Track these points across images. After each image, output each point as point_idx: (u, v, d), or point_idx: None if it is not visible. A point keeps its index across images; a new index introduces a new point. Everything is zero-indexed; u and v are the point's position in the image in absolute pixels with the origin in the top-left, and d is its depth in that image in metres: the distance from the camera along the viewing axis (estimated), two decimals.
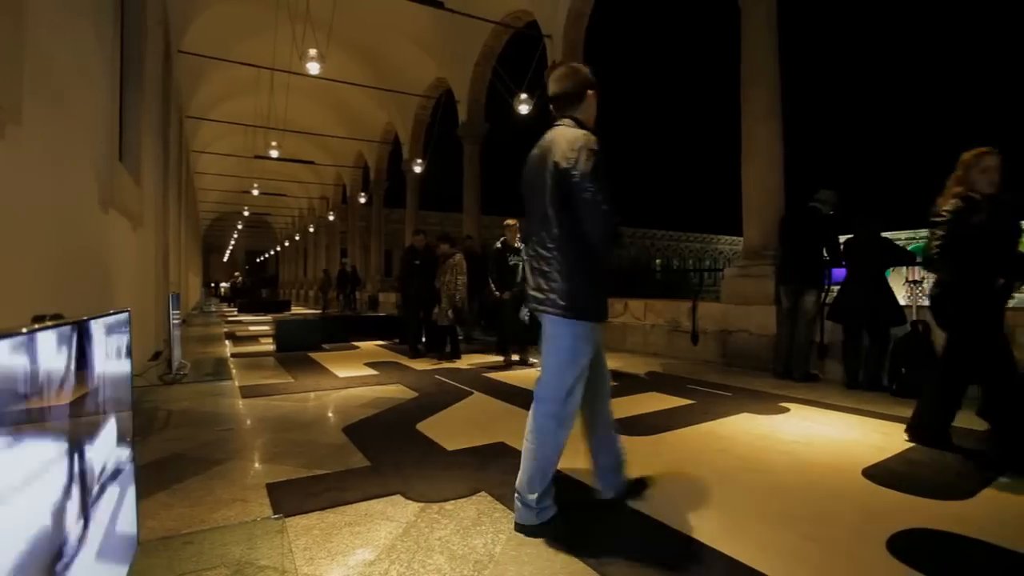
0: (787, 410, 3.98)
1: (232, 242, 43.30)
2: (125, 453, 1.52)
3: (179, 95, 11.32)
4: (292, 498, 2.34)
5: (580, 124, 2.16)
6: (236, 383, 5.20)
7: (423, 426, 3.58)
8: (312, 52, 8.52)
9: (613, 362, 6.09)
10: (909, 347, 4.46)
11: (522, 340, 6.44)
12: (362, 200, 19.43)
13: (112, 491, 1.35)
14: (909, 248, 5.57)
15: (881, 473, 2.66)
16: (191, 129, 15.41)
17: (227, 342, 9.25)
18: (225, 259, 47.22)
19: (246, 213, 30.60)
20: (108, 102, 4.15)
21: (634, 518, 2.15)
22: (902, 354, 4.50)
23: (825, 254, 5.10)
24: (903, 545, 1.92)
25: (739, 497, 2.38)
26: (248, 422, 3.77)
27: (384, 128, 17.80)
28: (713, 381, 5.12)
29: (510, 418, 3.84)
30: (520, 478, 2.05)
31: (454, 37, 11.95)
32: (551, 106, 2.23)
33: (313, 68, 8.72)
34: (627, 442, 3.19)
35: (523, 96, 9.36)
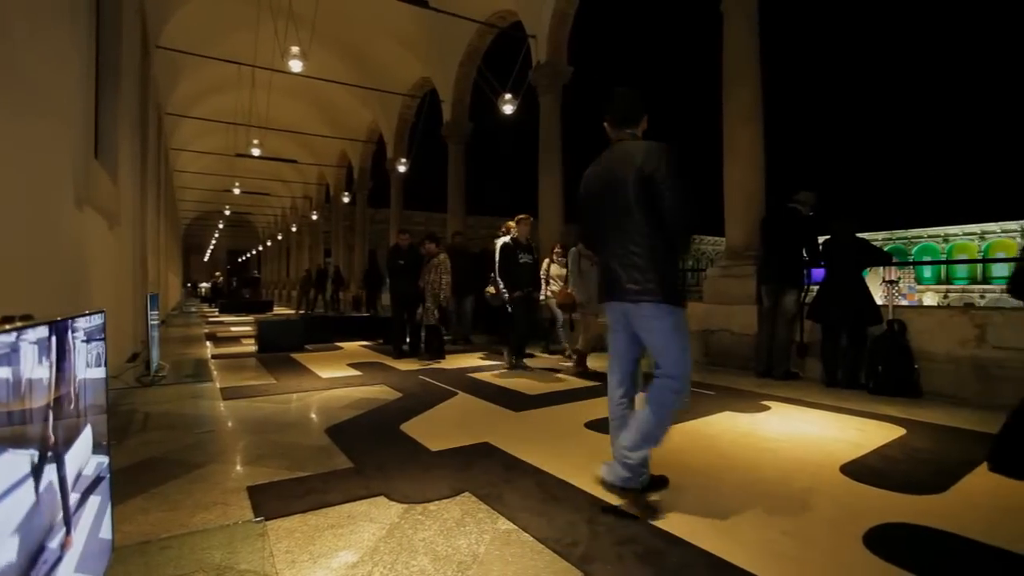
0: (768, 408, 4.04)
1: (213, 241, 42.63)
2: (100, 457, 1.49)
3: (158, 91, 11.11)
4: (274, 501, 2.31)
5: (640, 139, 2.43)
6: (217, 385, 5.12)
7: (407, 427, 3.56)
8: (295, 50, 8.42)
9: (597, 362, 6.13)
10: (885, 346, 4.56)
11: (524, 341, 6.17)
12: (346, 199, 19.28)
13: (85, 496, 1.32)
14: (885, 249, 5.67)
15: (858, 469, 2.72)
16: (170, 126, 15.13)
17: (208, 343, 9.10)
18: (206, 259, 46.46)
19: (227, 212, 30.16)
20: (83, 97, 4.06)
21: (616, 516, 2.17)
22: (879, 353, 4.59)
23: (804, 254, 5.19)
24: (879, 539, 1.97)
25: (721, 494, 2.41)
26: (229, 424, 3.71)
27: (368, 127, 17.67)
28: (696, 380, 5.13)
29: (495, 418, 3.85)
30: (628, 441, 2.25)
31: (439, 36, 11.92)
32: (609, 122, 2.47)
33: (296, 66, 8.63)
34: (607, 440, 3.22)
35: (507, 96, 9.36)
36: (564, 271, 6.66)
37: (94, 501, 1.40)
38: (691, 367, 2.34)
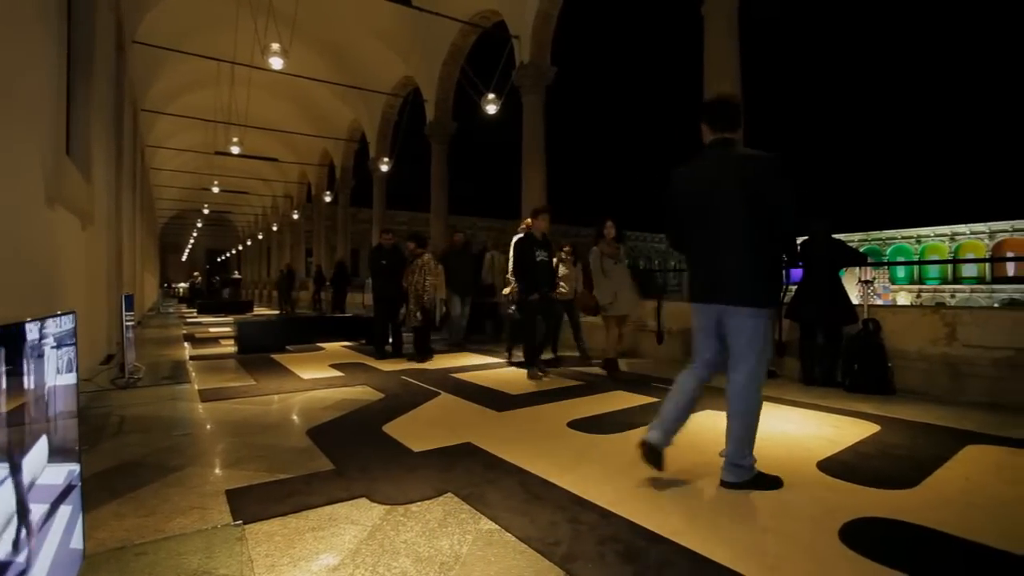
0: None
1: (191, 241, 41.84)
2: (70, 464, 1.45)
3: (133, 87, 10.87)
4: (253, 504, 2.28)
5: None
6: (195, 386, 5.03)
7: (389, 428, 3.54)
8: (275, 47, 8.31)
9: (576, 361, 6.11)
10: (860, 345, 4.66)
11: (541, 347, 5.74)
12: (327, 199, 19.10)
13: (55, 506, 1.29)
14: (861, 250, 5.81)
15: (834, 465, 2.77)
16: (147, 123, 14.81)
17: (186, 344, 8.93)
18: (184, 258, 45.58)
19: (206, 211, 29.61)
20: (54, 92, 3.95)
21: (596, 514, 2.18)
22: (854, 351, 4.69)
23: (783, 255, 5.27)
24: (854, 534, 2.01)
25: (700, 491, 2.44)
26: (208, 427, 3.65)
27: (350, 126, 17.52)
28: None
29: (477, 418, 3.84)
30: (733, 448, 2.44)
31: (422, 35, 11.87)
32: (708, 125, 2.55)
33: (276, 63, 8.51)
34: (592, 440, 3.26)
35: (491, 96, 9.36)
36: (570, 272, 6.55)
37: (64, 510, 1.37)
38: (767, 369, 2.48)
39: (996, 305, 34.55)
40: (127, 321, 5.32)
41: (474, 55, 11.94)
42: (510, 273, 5.90)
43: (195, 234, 39.18)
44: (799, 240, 5.27)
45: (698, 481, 2.57)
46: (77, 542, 1.48)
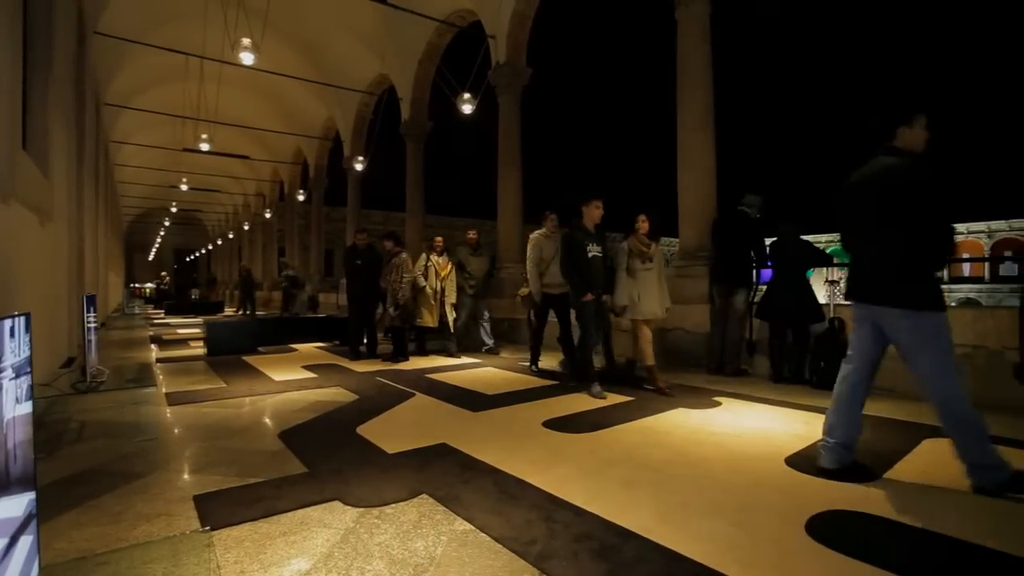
0: (719, 404, 4.18)
1: (159, 240, 40.62)
2: (21, 469, 1.39)
3: (96, 80, 10.51)
4: (222, 509, 2.23)
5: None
6: (161, 390, 4.89)
7: (363, 429, 3.50)
8: (246, 41, 8.12)
9: (554, 361, 6.17)
10: (827, 343, 4.80)
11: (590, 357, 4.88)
12: (301, 198, 18.76)
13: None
14: (828, 251, 5.97)
15: (801, 461, 2.85)
16: (111, 117, 14.33)
17: (152, 346, 8.67)
18: (151, 258, 44.22)
19: (174, 209, 28.81)
20: (8, 82, 3.79)
21: (571, 512, 2.20)
22: (821, 349, 4.83)
23: (753, 255, 5.41)
24: (820, 527, 2.07)
25: (673, 488, 2.48)
26: (176, 431, 3.55)
27: (324, 124, 17.25)
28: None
29: (453, 419, 3.83)
30: (973, 457, 2.39)
31: (397, 34, 11.76)
32: (882, 126, 2.68)
33: (247, 58, 8.32)
34: (566, 439, 3.28)
35: (466, 96, 9.33)
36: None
37: (13, 518, 1.31)
38: (954, 374, 2.46)
39: (953, 304, 35.98)
40: (89, 323, 5.14)
41: (450, 54, 11.89)
42: (528, 272, 5.53)
43: (162, 233, 38.03)
44: (768, 241, 5.40)
45: (670, 477, 2.61)
46: (31, 552, 1.42)
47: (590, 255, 4.74)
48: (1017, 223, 42.87)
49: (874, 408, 4.01)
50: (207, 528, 2.05)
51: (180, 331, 11.54)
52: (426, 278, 6.92)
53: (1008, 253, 40.39)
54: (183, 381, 5.37)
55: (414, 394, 4.66)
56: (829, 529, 2.05)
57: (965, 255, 43.17)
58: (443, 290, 7.02)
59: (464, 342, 7.51)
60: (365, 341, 7.14)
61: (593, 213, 4.85)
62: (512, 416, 3.91)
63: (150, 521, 2.12)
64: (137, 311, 21.66)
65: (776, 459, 2.88)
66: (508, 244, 9.40)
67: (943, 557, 1.88)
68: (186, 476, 2.69)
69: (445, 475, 2.63)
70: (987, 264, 42.06)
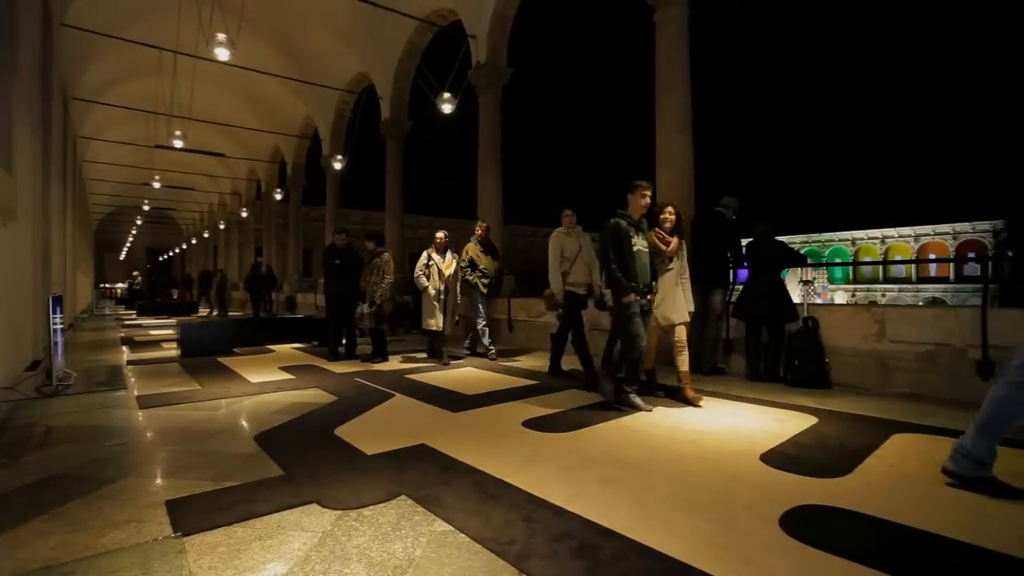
0: (686, 404, 4.24)
1: (130, 239, 39.56)
2: None
3: (63, 73, 10.18)
4: (196, 514, 2.18)
5: None
6: (133, 392, 4.77)
7: (342, 431, 3.47)
8: (221, 37, 7.97)
9: (533, 361, 6.19)
10: (800, 341, 4.91)
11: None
12: (278, 196, 18.47)
13: None
14: (802, 251, 6.11)
15: (776, 457, 2.91)
16: (79, 113, 13.91)
17: (124, 348, 8.44)
18: (122, 257, 43.02)
19: (146, 207, 28.05)
20: None
21: (550, 512, 2.21)
22: (795, 348, 4.93)
23: (730, 256, 5.50)
24: (793, 521, 2.11)
25: (651, 486, 2.51)
26: (148, 435, 3.47)
27: (302, 122, 17.02)
28: None
29: (432, 419, 3.81)
30: (975, 449, 2.39)
31: (377, 32, 11.67)
32: None
33: (222, 54, 8.16)
34: (546, 439, 3.30)
35: (446, 95, 9.29)
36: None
37: None
38: None
39: (920, 303, 37.12)
40: (55, 324, 4.98)
41: (430, 53, 11.84)
42: (550, 271, 5.14)
43: (134, 232, 37.05)
44: (744, 242, 5.50)
45: (648, 475, 2.64)
46: None
47: (635, 249, 4.12)
48: (980, 225, 44.48)
49: (844, 405, 4.12)
50: (179, 534, 2.01)
51: (153, 332, 11.27)
52: (428, 278, 6.45)
53: (972, 254, 41.86)
54: (156, 383, 5.24)
55: (393, 395, 4.62)
56: (802, 523, 2.10)
57: (932, 256, 44.61)
58: (447, 290, 6.50)
59: (478, 348, 7.11)
60: (344, 342, 7.06)
61: (639, 201, 4.22)
62: (492, 416, 3.91)
63: (119, 528, 2.07)
64: (107, 312, 21.07)
65: (751, 456, 2.93)
66: None
67: (912, 549, 1.94)
68: (158, 481, 2.63)
69: (424, 476, 2.62)
70: (952, 265, 43.52)
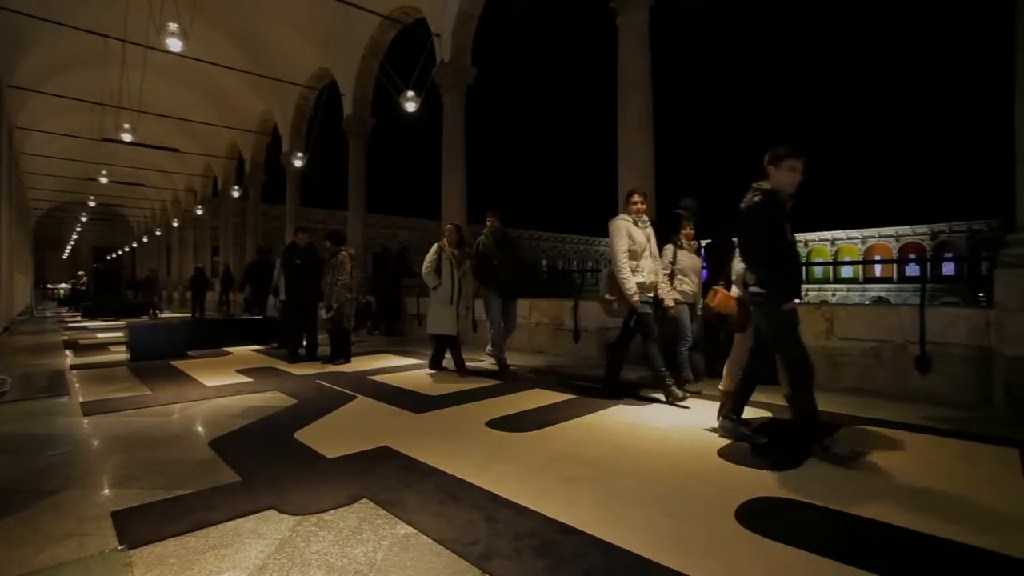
0: (659, 400, 4.33)
1: (75, 237, 37.52)
2: None
3: None
4: (144, 525, 2.10)
5: None
6: (77, 399, 4.53)
7: (301, 434, 3.39)
8: (172, 27, 7.66)
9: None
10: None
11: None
12: (236, 194, 17.89)
13: None
14: None
15: (732, 452, 3.00)
16: (16, 102, 13.11)
17: (67, 352, 8.01)
18: (66, 256, 40.76)
19: (92, 204, 26.67)
20: None
21: (513, 511, 2.22)
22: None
23: None
24: (747, 514, 2.19)
25: (613, 483, 2.55)
26: (93, 443, 3.31)
27: (261, 117, 16.54)
28: (594, 376, 5.42)
29: (395, 421, 3.77)
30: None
31: (339, 27, 11.44)
32: None
33: (174, 45, 7.84)
34: (509, 439, 3.31)
35: (410, 94, 9.20)
36: (698, 263, 5.03)
37: None
38: None
39: (867, 302, 39.03)
40: None
41: (394, 51, 11.69)
42: (617, 268, 4.16)
43: (79, 229, 35.17)
44: (704, 242, 5.64)
45: (610, 473, 2.68)
46: None
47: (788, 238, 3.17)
48: (920, 228, 47.16)
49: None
50: (124, 546, 1.92)
51: (99, 335, 10.73)
52: (440, 275, 5.66)
53: (912, 256, 44.38)
54: (102, 389, 4.99)
55: (355, 397, 4.55)
56: (756, 515, 2.18)
57: (877, 257, 47.00)
58: (460, 290, 5.71)
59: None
60: (304, 343, 6.90)
61: (789, 176, 3.16)
62: (456, 417, 3.89)
63: (60, 543, 1.96)
64: (49, 314, 19.95)
65: (710, 451, 3.02)
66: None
67: (860, 537, 2.03)
68: (104, 491, 2.51)
69: (387, 478, 2.59)
70: (895, 266, 46.03)
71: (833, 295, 46.24)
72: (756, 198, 3.15)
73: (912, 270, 45.19)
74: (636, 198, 4.35)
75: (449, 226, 5.98)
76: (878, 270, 47.85)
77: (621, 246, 4.17)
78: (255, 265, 11.55)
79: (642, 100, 6.53)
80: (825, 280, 48.84)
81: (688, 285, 4.95)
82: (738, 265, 4.33)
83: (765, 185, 3.19)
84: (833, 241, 50.59)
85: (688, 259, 5.01)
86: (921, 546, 1.95)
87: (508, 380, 5.26)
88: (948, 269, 45.40)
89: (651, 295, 4.34)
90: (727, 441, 3.19)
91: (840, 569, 1.77)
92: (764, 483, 2.54)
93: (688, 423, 3.65)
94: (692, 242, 5.09)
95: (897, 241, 47.86)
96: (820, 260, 50.18)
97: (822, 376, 4.80)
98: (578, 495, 2.40)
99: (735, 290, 3.69)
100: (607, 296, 4.31)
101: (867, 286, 47.04)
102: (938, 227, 46.89)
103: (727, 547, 1.93)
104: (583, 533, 2.02)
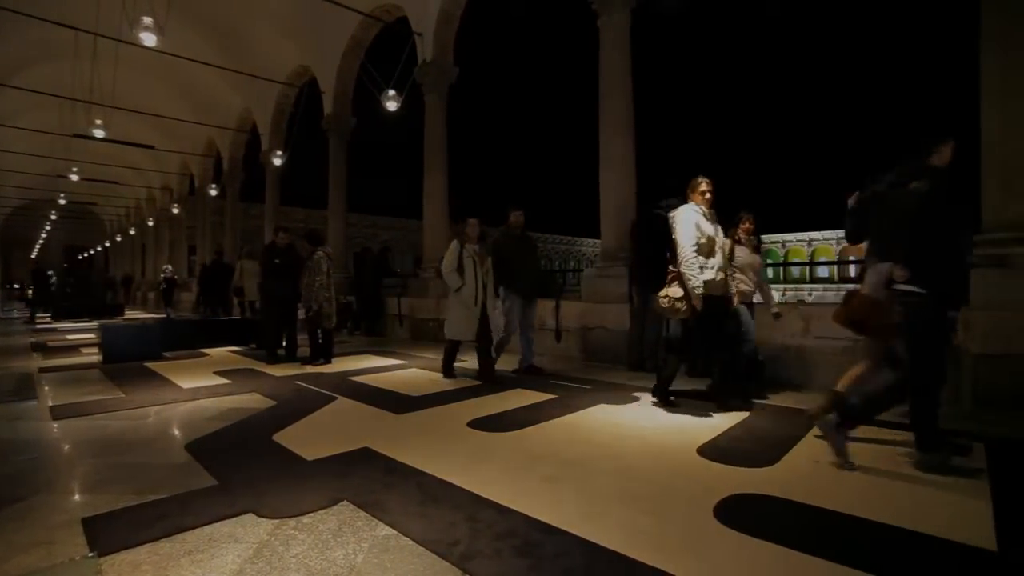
0: (638, 399, 4.37)
1: (44, 235, 36.42)
2: None
3: None
4: (116, 531, 2.05)
5: None
6: (46, 402, 4.40)
7: (281, 436, 3.34)
8: (146, 20, 7.48)
9: (478, 362, 6.14)
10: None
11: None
12: (213, 192, 17.55)
13: None
14: None
15: (711, 450, 3.04)
16: None
17: (35, 354, 7.77)
18: (34, 255, 39.55)
19: (63, 201, 25.91)
20: None
21: (494, 511, 2.22)
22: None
23: (669, 256, 5.69)
24: (726, 510, 2.22)
25: (593, 482, 2.56)
26: (65, 447, 3.22)
27: (240, 115, 16.24)
28: (574, 375, 5.46)
29: (376, 422, 3.74)
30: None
31: (320, 25, 11.31)
32: None
33: (148, 39, 7.66)
34: (491, 439, 3.31)
35: (391, 93, 9.13)
36: (757, 261, 4.65)
37: None
38: None
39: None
40: None
41: (376, 49, 11.58)
42: (684, 262, 3.80)
43: (48, 227, 34.16)
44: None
45: (590, 472, 2.70)
46: None
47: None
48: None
49: (773, 398, 4.36)
50: (95, 553, 1.87)
51: (70, 337, 10.44)
52: (462, 275, 5.12)
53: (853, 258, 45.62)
54: (73, 392, 4.86)
55: (336, 398, 4.50)
56: (734, 511, 2.21)
57: (852, 257, 48.05)
58: (485, 290, 5.23)
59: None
60: (284, 344, 6.80)
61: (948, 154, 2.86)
62: (437, 417, 3.88)
63: (26, 551, 1.90)
64: (15, 314, 19.33)
65: (689, 449, 3.05)
66: (434, 243, 9.34)
67: (834, 530, 2.08)
68: (74, 497, 2.44)
69: (367, 480, 2.57)
70: (760, 266, 47.37)
71: (810, 295, 47.17)
72: (919, 183, 2.68)
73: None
74: (705, 186, 3.90)
75: (472, 220, 5.33)
76: (853, 270, 48.97)
77: (689, 238, 3.79)
78: (211, 267, 11.74)
79: (623, 101, 6.58)
80: (802, 280, 49.81)
81: (746, 285, 4.42)
82: (752, 258, 4.50)
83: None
84: (810, 242, 51.64)
85: (746, 256, 4.54)
86: (893, 539, 2.00)
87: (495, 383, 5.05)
88: None
89: (720, 294, 3.92)
90: (706, 439, 3.23)
91: (815, 563, 1.81)
92: (743, 480, 2.58)
93: (667, 421, 3.69)
94: (751, 237, 4.67)
95: (837, 244, 49.11)
96: (797, 260, 51.15)
97: (799, 374, 4.92)
98: (559, 494, 2.41)
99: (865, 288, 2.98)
100: (670, 294, 3.87)
101: (842, 286, 48.05)
102: None
103: (706, 544, 1.96)
104: (564, 532, 2.03)
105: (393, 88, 9.17)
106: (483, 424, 3.61)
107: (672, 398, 4.11)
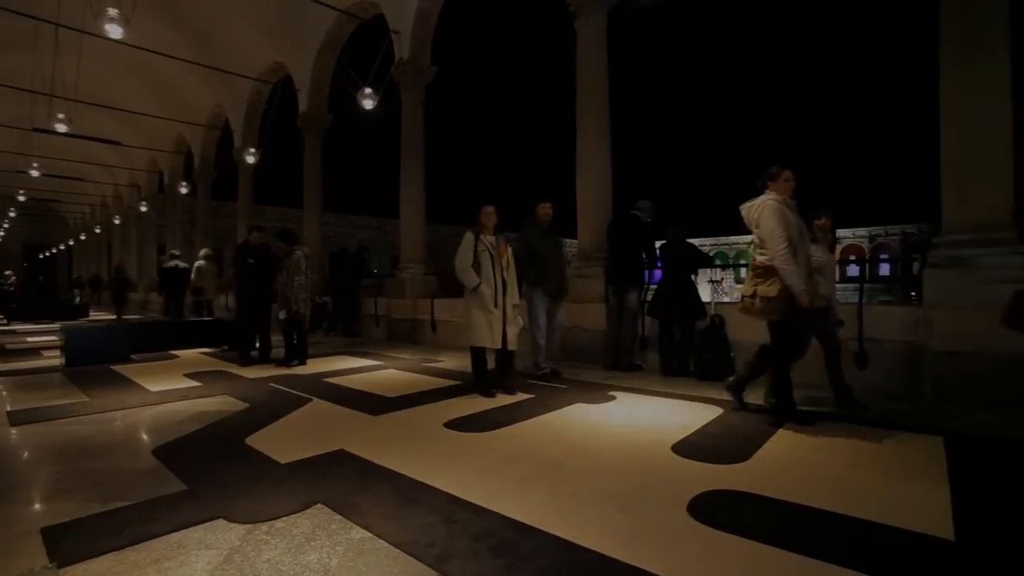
0: (614, 398, 4.41)
1: (1, 233, 34.98)
2: None
3: None
4: (78, 541, 1.98)
5: None
6: (4, 407, 4.23)
7: (253, 439, 3.28)
8: (112, 12, 7.25)
9: (457, 361, 6.17)
10: (708, 337, 5.24)
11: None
12: (184, 190, 17.09)
13: None
14: (712, 253, 6.54)
15: (685, 447, 3.09)
16: None
17: None
18: None
19: (22, 198, 24.92)
20: None
21: (470, 512, 2.22)
22: (704, 343, 5.27)
23: (644, 257, 5.77)
24: (699, 507, 2.26)
25: (569, 481, 2.58)
26: (24, 454, 3.11)
27: (211, 111, 15.87)
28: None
29: (351, 424, 3.70)
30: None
31: (294, 21, 11.13)
32: None
33: (114, 31, 7.42)
34: (467, 439, 3.30)
35: (367, 91, 9.03)
36: (834, 260, 4.31)
37: None
38: None
39: None
40: None
41: (352, 47, 11.45)
42: (776, 257, 3.39)
43: (7, 225, 32.83)
44: (658, 244, 5.78)
45: (566, 471, 2.71)
46: None
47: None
48: (859, 231, 49.90)
49: (747, 396, 4.43)
50: (54, 564, 1.81)
51: (29, 339, 10.05)
52: (479, 271, 4.51)
53: (852, 257, 46.89)
54: (32, 397, 4.68)
55: (310, 399, 4.43)
56: (707, 508, 2.25)
57: None
58: (505, 286, 4.63)
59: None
60: (257, 345, 6.67)
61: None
62: (413, 418, 3.85)
63: None
64: None
65: (663, 447, 3.10)
66: (411, 243, 9.29)
67: (804, 524, 2.13)
68: (34, 506, 2.36)
69: (342, 482, 2.54)
70: (836, 266, 48.68)
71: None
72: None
73: (852, 271, 47.65)
74: (787, 173, 3.55)
75: (488, 208, 4.68)
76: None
77: (781, 231, 3.39)
78: (169, 269, 11.59)
79: (600, 103, 6.64)
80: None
81: (823, 287, 3.98)
82: (827, 256, 4.11)
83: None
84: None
85: (823, 255, 4.07)
86: (860, 532, 2.06)
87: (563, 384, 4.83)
88: (884, 270, 48.10)
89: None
90: (681, 436, 3.28)
91: (787, 557, 1.85)
92: (716, 477, 2.62)
93: (642, 419, 3.74)
94: (827, 235, 4.29)
95: (839, 243, 50.52)
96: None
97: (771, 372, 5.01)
98: (536, 494, 2.42)
99: None
100: (762, 293, 3.48)
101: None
102: (875, 230, 49.84)
103: (680, 540, 1.99)
104: (540, 531, 2.04)
105: (370, 86, 9.08)
106: (460, 425, 3.60)
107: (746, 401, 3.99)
